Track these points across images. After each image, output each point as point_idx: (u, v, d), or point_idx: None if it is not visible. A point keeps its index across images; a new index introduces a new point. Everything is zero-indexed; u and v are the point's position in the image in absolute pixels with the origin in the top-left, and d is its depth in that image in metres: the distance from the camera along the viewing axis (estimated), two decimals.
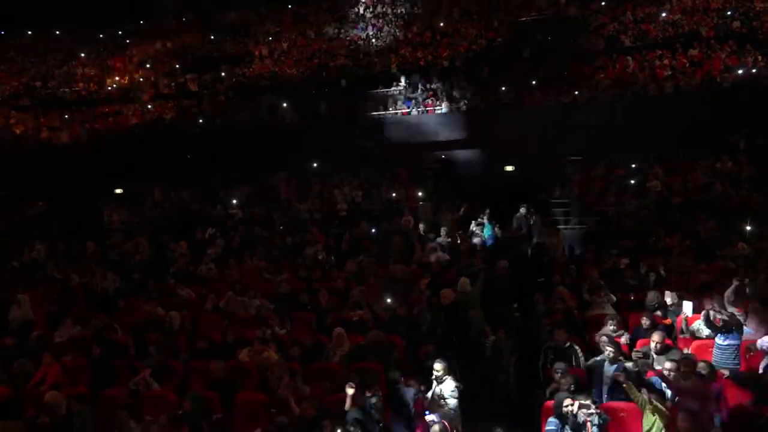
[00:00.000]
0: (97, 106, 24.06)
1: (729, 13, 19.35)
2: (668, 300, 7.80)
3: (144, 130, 21.31)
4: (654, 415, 5.66)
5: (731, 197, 12.47)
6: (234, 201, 16.08)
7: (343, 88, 20.72)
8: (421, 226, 13.16)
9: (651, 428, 5.69)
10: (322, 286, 9.82)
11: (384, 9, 25.87)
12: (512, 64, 20.08)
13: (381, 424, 6.24)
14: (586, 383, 6.49)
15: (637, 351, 6.75)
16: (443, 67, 20.61)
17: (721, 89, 16.33)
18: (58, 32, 31.13)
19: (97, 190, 17.41)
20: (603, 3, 22.21)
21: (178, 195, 17.18)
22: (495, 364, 7.86)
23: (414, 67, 20.85)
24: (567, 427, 5.63)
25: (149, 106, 23.05)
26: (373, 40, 23.72)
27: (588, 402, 5.68)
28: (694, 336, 7.14)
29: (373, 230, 13.24)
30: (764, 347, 6.36)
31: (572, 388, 6.01)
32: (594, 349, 7.11)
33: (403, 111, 18.66)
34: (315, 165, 17.59)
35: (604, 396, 6.39)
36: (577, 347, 7.10)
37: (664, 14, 20.50)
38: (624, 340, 7.12)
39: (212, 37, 27.46)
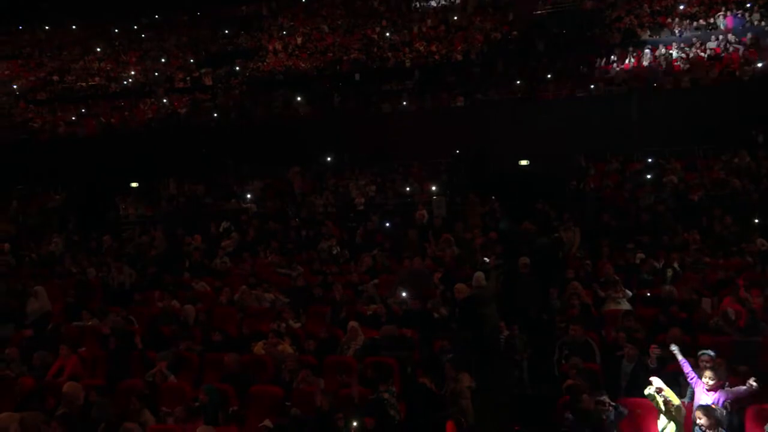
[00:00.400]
0: (113, 100, 24.27)
1: (748, 5, 19.04)
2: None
3: (159, 124, 21.50)
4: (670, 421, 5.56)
5: (749, 192, 12.30)
6: (248, 195, 16.10)
7: (357, 82, 20.73)
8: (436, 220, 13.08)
9: (665, 428, 5.62)
10: (336, 280, 9.85)
11: None
12: (527, 57, 19.94)
13: (397, 419, 6.23)
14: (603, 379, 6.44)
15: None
16: (457, 61, 20.49)
17: (739, 83, 16.09)
18: (74, 27, 31.41)
19: (113, 183, 17.54)
20: None
21: (193, 189, 17.25)
22: (509, 360, 7.83)
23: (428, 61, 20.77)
24: (582, 422, 5.60)
25: (164, 101, 23.19)
26: (387, 34, 23.65)
27: (604, 398, 5.65)
28: None
29: (387, 224, 13.21)
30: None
31: (588, 384, 5.95)
32: (610, 345, 7.06)
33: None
34: (329, 159, 17.61)
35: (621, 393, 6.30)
36: (593, 343, 7.05)
37: (682, 6, 20.20)
38: None
39: (226, 32, 27.55)
